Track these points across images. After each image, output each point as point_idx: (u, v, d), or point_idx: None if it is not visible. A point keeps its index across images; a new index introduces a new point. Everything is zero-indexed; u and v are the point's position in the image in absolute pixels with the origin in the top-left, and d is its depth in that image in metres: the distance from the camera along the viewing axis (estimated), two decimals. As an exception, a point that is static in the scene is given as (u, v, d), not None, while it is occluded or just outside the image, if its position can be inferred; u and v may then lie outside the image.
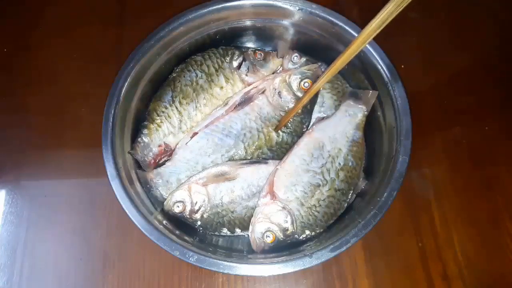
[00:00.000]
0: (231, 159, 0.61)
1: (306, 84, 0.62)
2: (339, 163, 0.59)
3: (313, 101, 0.64)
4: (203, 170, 0.60)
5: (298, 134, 0.63)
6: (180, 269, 0.64)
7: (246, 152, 0.61)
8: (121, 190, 0.54)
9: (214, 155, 0.61)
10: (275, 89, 0.62)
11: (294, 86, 0.62)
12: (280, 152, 0.63)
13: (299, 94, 0.62)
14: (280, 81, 0.62)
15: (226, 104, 0.62)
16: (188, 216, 0.59)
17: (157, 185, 0.61)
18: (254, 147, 0.62)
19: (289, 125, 0.63)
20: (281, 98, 0.62)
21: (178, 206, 0.58)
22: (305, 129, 0.64)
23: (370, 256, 0.65)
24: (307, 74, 0.62)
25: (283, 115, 0.63)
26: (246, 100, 0.62)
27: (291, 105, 0.62)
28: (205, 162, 0.61)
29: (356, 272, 0.64)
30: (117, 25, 0.80)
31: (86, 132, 0.71)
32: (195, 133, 0.61)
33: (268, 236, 0.56)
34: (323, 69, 0.68)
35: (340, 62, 0.51)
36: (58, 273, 0.65)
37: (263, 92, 0.63)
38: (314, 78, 0.62)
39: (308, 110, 0.64)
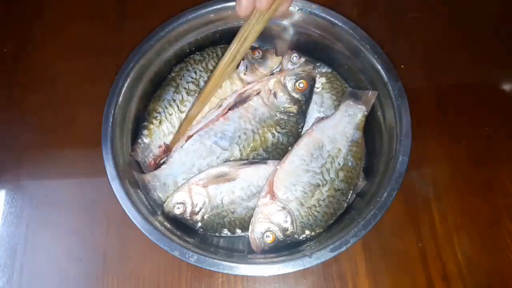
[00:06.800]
0: (227, 161, 0.61)
1: (301, 85, 0.62)
2: (339, 163, 0.59)
3: (307, 102, 0.64)
4: (201, 171, 0.60)
5: (293, 135, 0.63)
6: (180, 269, 0.64)
7: (241, 154, 0.61)
8: (121, 190, 0.54)
9: (209, 158, 0.61)
10: (270, 90, 0.63)
11: (289, 86, 0.62)
12: (275, 153, 0.63)
13: (295, 95, 0.62)
14: (275, 82, 0.63)
15: (221, 106, 0.62)
16: (188, 217, 0.59)
17: (154, 187, 0.60)
18: (249, 149, 0.61)
19: (285, 125, 0.63)
20: (276, 98, 0.62)
21: (178, 208, 0.58)
22: (300, 130, 0.64)
23: (370, 256, 0.65)
24: (302, 75, 0.62)
25: (278, 115, 0.63)
26: (240, 102, 0.62)
27: (287, 105, 0.63)
28: (201, 165, 0.61)
29: (356, 272, 0.64)
30: (117, 25, 0.80)
31: (86, 132, 0.71)
32: (190, 136, 0.61)
33: (268, 236, 0.56)
34: (322, 70, 0.68)
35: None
36: (58, 273, 0.65)
37: (258, 93, 0.63)
38: (309, 79, 0.63)
39: (302, 111, 0.64)
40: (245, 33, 0.55)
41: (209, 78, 0.61)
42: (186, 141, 0.61)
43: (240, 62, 0.62)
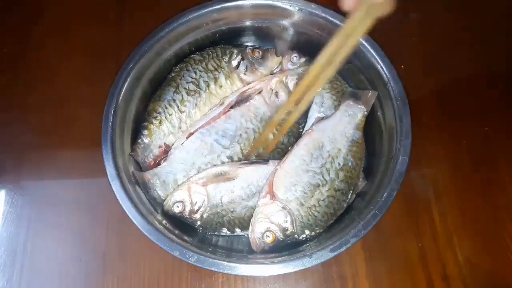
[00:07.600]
0: (227, 159, 0.61)
1: None
2: (339, 163, 0.59)
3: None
4: (201, 170, 0.60)
5: (294, 135, 0.63)
6: (180, 269, 0.64)
7: (242, 153, 0.61)
8: (121, 191, 0.54)
9: (210, 156, 0.61)
10: (272, 90, 0.63)
11: (291, 86, 0.62)
12: (276, 153, 0.63)
13: None
14: (277, 81, 0.63)
15: (222, 104, 0.62)
16: (187, 216, 0.59)
17: (154, 185, 0.60)
18: (250, 148, 0.61)
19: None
20: (278, 98, 0.63)
21: (177, 206, 0.58)
22: (301, 130, 0.64)
23: (370, 256, 0.64)
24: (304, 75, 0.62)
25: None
26: (242, 100, 0.62)
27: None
28: (201, 163, 0.61)
29: (356, 272, 0.64)
30: (117, 25, 0.80)
31: (86, 132, 0.71)
32: (191, 133, 0.61)
33: (268, 236, 0.56)
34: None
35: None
36: (58, 273, 0.65)
37: (259, 93, 0.63)
38: None
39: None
40: (348, 30, 0.45)
41: (298, 85, 0.53)
42: (187, 138, 0.61)
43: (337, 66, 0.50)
